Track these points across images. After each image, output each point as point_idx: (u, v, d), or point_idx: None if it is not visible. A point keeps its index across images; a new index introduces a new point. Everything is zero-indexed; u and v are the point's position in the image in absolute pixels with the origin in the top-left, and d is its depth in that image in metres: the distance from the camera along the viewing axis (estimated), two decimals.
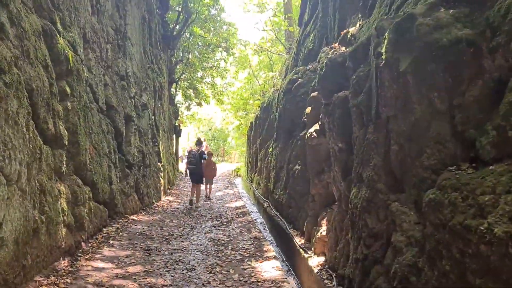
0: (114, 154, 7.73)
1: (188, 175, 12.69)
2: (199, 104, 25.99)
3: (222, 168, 29.34)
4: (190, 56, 21.48)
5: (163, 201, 12.19)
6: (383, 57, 3.23)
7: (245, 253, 6.13)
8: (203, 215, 10.15)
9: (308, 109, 6.83)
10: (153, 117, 12.00)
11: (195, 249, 6.27)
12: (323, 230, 5.71)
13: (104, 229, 6.87)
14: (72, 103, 5.44)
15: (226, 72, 24.59)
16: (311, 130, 6.41)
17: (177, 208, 11.09)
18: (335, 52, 6.15)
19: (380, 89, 3.36)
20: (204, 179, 12.99)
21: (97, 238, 6.20)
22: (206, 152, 13.73)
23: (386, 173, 3.35)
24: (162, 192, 12.77)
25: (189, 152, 13.22)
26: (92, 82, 6.73)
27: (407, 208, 2.98)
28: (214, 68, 23.71)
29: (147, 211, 9.78)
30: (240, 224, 8.68)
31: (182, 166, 29.32)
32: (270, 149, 11.47)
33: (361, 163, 3.84)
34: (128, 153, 8.74)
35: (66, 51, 5.27)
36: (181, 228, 7.93)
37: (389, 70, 3.13)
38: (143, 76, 10.82)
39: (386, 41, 3.25)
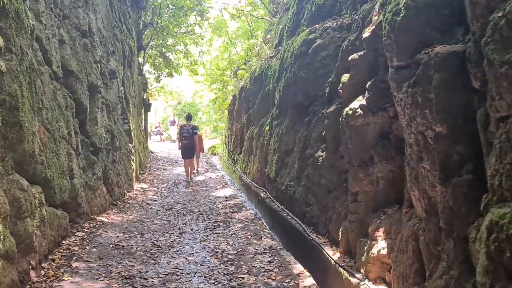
0: (75, 136, 5.92)
1: (180, 149, 13.52)
2: (170, 75, 23.89)
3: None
4: (161, 20, 19.29)
5: (136, 190, 10.43)
6: None
7: (269, 280, 4.53)
8: (189, 209, 8.49)
9: (345, 77, 5.20)
10: (122, 88, 10.10)
11: (196, 273, 4.61)
12: (381, 246, 4.19)
13: (64, 241, 5.13)
14: (8, 62, 3.60)
15: (202, 39, 22.49)
16: (354, 105, 4.80)
17: (154, 200, 9.37)
18: None
19: None
20: (196, 154, 13.98)
21: (53, 260, 4.46)
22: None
23: None
24: (134, 179, 10.99)
25: (182, 127, 14.02)
26: (42, 35, 4.86)
27: None
28: (187, 34, 21.58)
29: (119, 207, 8.03)
30: (241, 225, 7.09)
31: (152, 144, 27.37)
32: (267, 127, 9.84)
33: None
34: (94, 134, 6.92)
35: None
36: (168, 234, 6.26)
37: None
38: (110, 36, 8.87)
39: None
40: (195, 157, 14.15)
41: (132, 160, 11.07)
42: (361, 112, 4.67)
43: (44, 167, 4.51)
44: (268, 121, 9.86)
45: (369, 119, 4.60)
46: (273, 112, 9.48)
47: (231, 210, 8.34)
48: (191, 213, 8.10)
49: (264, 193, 9.48)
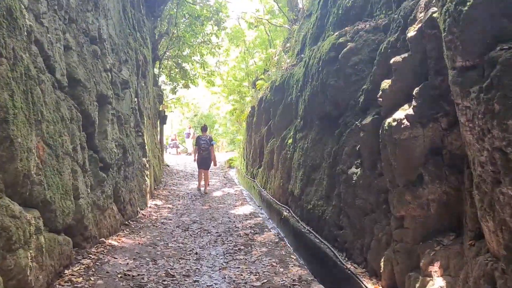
0: (81, 151, 5.40)
1: (197, 160, 13.77)
2: (186, 86, 23.51)
3: None
4: (177, 29, 18.94)
5: (150, 207, 9.89)
6: None
7: None
8: (207, 229, 7.90)
9: (386, 83, 4.59)
10: (136, 99, 9.63)
11: None
12: (438, 285, 3.53)
13: (66, 271, 4.57)
14: None
15: (219, 48, 22.06)
16: (398, 115, 4.18)
17: (169, 219, 8.81)
18: None
19: None
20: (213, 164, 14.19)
21: None
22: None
23: None
24: (148, 195, 10.46)
25: (198, 138, 14.15)
26: (43, 38, 4.37)
27: None
28: (203, 43, 21.19)
29: (131, 228, 7.48)
30: (264, 249, 6.45)
31: (168, 157, 26.96)
32: (290, 140, 9.24)
33: None
34: (104, 149, 6.41)
35: None
36: (183, 260, 5.65)
37: None
38: (123, 44, 8.42)
39: None
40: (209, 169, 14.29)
41: (146, 175, 10.57)
42: (408, 124, 4.05)
43: (42, 188, 3.98)
44: (291, 133, 9.27)
45: (417, 131, 3.97)
46: (296, 123, 8.89)
47: (252, 231, 7.72)
48: (209, 234, 7.51)
49: (287, 211, 8.86)
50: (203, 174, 13.67)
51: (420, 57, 4.20)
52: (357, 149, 5.41)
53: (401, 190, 4.15)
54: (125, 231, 7.11)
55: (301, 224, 7.51)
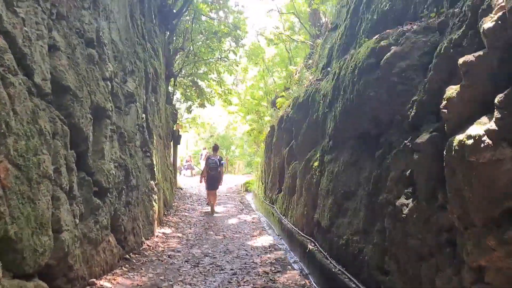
0: (68, 174, 4.50)
1: (206, 181, 13.99)
2: (202, 105, 22.79)
3: (228, 181, 26.11)
4: (192, 45, 18.28)
5: (157, 236, 8.93)
6: None
7: None
8: (220, 265, 6.89)
9: (452, 91, 3.59)
10: (143, 115, 8.80)
11: None
12: None
13: None
14: None
15: (237, 66, 21.33)
16: (473, 131, 3.17)
17: (178, 251, 7.82)
18: None
19: None
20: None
21: None
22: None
23: None
24: (156, 222, 9.53)
25: (208, 158, 14.33)
26: (16, 31, 3.52)
27: None
28: (221, 60, 20.50)
29: (132, 263, 6.52)
30: None
31: (181, 179, 26.13)
32: (316, 163, 8.24)
33: None
34: (99, 171, 5.51)
35: None
36: None
37: None
38: (129, 53, 7.61)
39: None
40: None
41: (155, 200, 9.66)
42: (489, 142, 3.02)
43: (2, 223, 3.06)
44: (317, 155, 8.27)
45: (504, 152, 2.95)
46: (324, 144, 7.90)
47: (273, 268, 6.69)
48: (222, 271, 6.50)
49: (313, 244, 7.80)
50: (211, 196, 13.89)
51: (500, 54, 3.21)
52: (407, 174, 4.39)
53: (480, 232, 3.11)
54: (123, 267, 6.14)
55: (331, 263, 6.45)
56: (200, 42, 19.54)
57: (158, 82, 11.23)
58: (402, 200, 4.41)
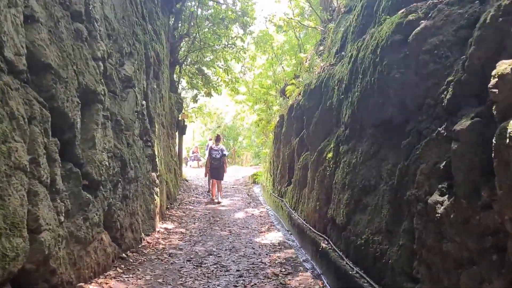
0: (50, 165, 3.95)
1: (209, 171, 14.23)
2: (208, 95, 22.19)
3: (235, 172, 25.60)
4: (197, 30, 17.64)
5: (158, 232, 8.42)
6: None
7: None
8: (225, 265, 6.34)
9: (506, 66, 2.98)
10: (143, 102, 8.24)
11: None
12: None
13: None
14: None
15: (245, 53, 20.65)
16: None
17: (180, 248, 7.30)
18: None
19: None
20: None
21: None
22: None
23: None
24: (157, 217, 9.01)
25: (211, 149, 14.49)
26: None
27: None
28: (228, 47, 19.83)
29: (129, 262, 6.00)
30: None
31: (188, 170, 25.65)
32: (330, 154, 7.65)
33: None
34: (90, 162, 4.96)
35: None
36: None
37: None
38: (127, 34, 7.03)
39: None
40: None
41: (156, 193, 9.13)
42: None
43: None
44: (331, 145, 7.68)
45: None
46: (339, 133, 7.30)
47: (283, 269, 6.13)
48: (227, 272, 5.95)
49: (326, 242, 7.24)
50: (216, 184, 14.10)
51: None
52: (442, 167, 3.79)
53: None
54: (118, 268, 5.62)
55: (347, 264, 5.88)
56: (207, 29, 18.90)
57: (161, 67, 10.65)
58: (436, 197, 3.82)
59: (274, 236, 8.69)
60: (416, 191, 4.15)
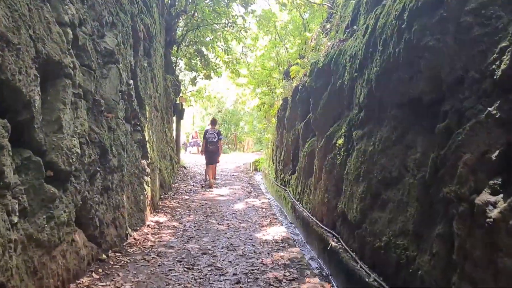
0: None
1: (204, 154, 14.29)
2: (208, 77, 21.32)
3: (236, 159, 24.84)
4: (195, 9, 16.69)
5: (148, 226, 7.66)
6: None
7: None
8: (220, 267, 5.57)
9: None
10: (131, 81, 7.42)
11: None
12: None
13: None
14: None
15: (246, 32, 19.70)
16: None
17: (170, 246, 6.54)
18: None
19: None
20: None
21: None
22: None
23: None
24: (148, 209, 8.25)
25: (206, 132, 14.41)
26: None
27: None
28: (228, 26, 18.88)
29: (108, 265, 5.24)
30: None
31: (187, 156, 24.90)
32: (341, 140, 6.84)
33: None
34: (55, 149, 4.16)
35: None
36: None
37: None
38: (109, 0, 6.18)
39: None
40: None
41: (147, 183, 8.36)
42: None
43: None
44: (342, 130, 6.87)
45: None
46: (351, 116, 6.48)
47: (287, 274, 5.36)
48: (222, 277, 5.18)
49: (336, 240, 6.48)
50: (210, 169, 14.32)
51: None
52: (494, 158, 2.99)
53: None
54: (95, 273, 4.85)
55: (361, 266, 5.12)
56: (206, 7, 17.95)
57: (152, 44, 9.78)
58: (486, 196, 3.00)
59: (277, 231, 7.93)
60: (457, 188, 3.34)
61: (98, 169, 5.38)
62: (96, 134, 5.28)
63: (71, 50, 4.51)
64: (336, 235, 6.60)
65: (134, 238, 6.65)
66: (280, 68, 21.04)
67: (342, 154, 6.68)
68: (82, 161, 4.81)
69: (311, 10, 19.85)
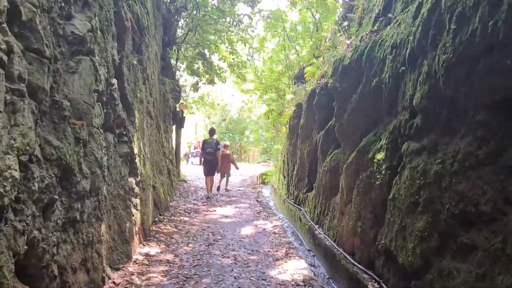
0: None
1: (202, 165, 14.09)
2: (211, 82, 19.97)
3: (241, 171, 23.35)
4: (198, 5, 15.36)
5: (135, 262, 6.22)
6: None
7: None
8: None
9: None
10: (113, 81, 6.05)
11: None
12: None
13: None
14: None
15: (253, 31, 18.35)
16: None
17: None
18: None
19: None
20: (218, 170, 14.44)
21: None
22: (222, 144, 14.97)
23: None
24: (136, 238, 6.82)
25: (205, 142, 14.29)
26: None
27: None
28: (233, 26, 17.53)
29: None
30: None
31: (188, 168, 23.49)
32: (381, 155, 5.40)
33: None
34: None
35: None
36: None
37: None
38: None
39: None
40: (217, 174, 14.74)
41: (135, 206, 6.95)
42: None
43: None
44: (383, 142, 5.44)
45: None
46: (396, 123, 5.06)
47: None
48: None
49: (377, 285, 5.05)
50: (209, 181, 14.11)
51: None
52: None
53: None
54: None
55: None
56: (209, 3, 16.64)
57: (144, 38, 8.41)
58: None
59: (296, 267, 6.49)
60: None
61: (57, 196, 3.96)
62: (53, 148, 3.88)
63: (4, 26, 3.12)
64: (377, 278, 5.17)
65: (114, 283, 5.22)
66: (290, 72, 19.67)
67: (383, 172, 5.25)
68: (28, 188, 3.40)
69: (323, 9, 18.54)
